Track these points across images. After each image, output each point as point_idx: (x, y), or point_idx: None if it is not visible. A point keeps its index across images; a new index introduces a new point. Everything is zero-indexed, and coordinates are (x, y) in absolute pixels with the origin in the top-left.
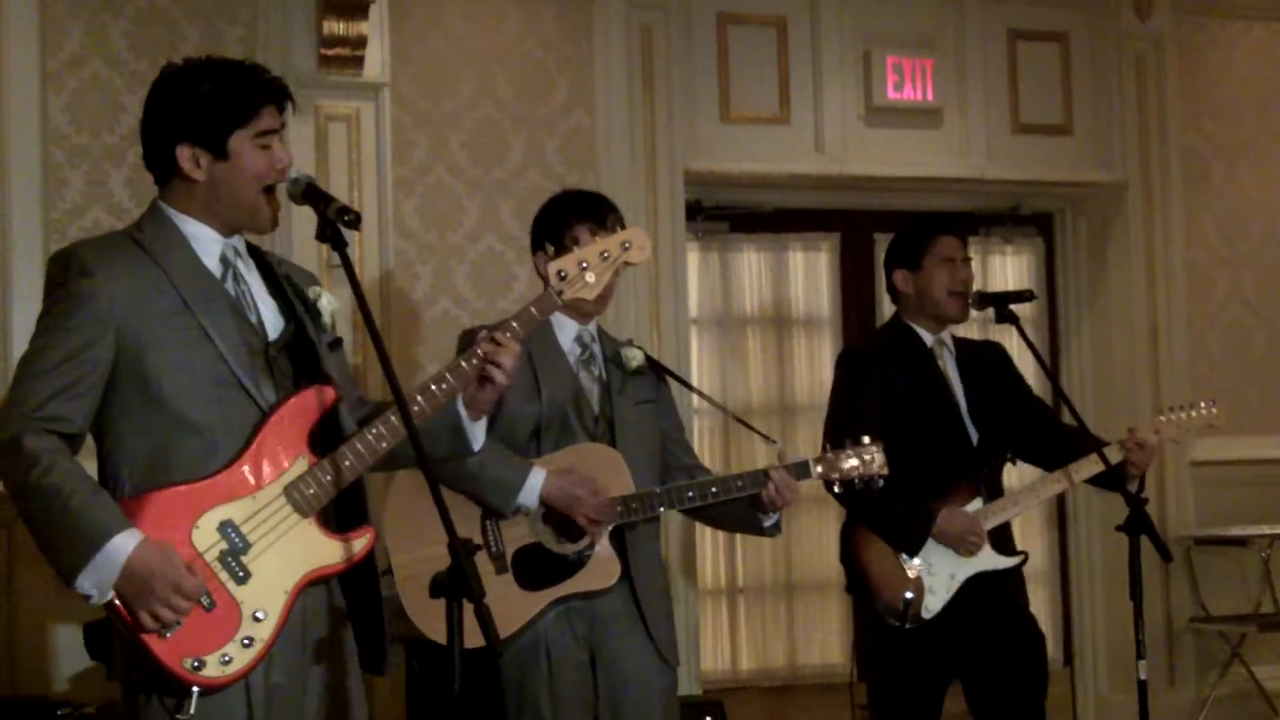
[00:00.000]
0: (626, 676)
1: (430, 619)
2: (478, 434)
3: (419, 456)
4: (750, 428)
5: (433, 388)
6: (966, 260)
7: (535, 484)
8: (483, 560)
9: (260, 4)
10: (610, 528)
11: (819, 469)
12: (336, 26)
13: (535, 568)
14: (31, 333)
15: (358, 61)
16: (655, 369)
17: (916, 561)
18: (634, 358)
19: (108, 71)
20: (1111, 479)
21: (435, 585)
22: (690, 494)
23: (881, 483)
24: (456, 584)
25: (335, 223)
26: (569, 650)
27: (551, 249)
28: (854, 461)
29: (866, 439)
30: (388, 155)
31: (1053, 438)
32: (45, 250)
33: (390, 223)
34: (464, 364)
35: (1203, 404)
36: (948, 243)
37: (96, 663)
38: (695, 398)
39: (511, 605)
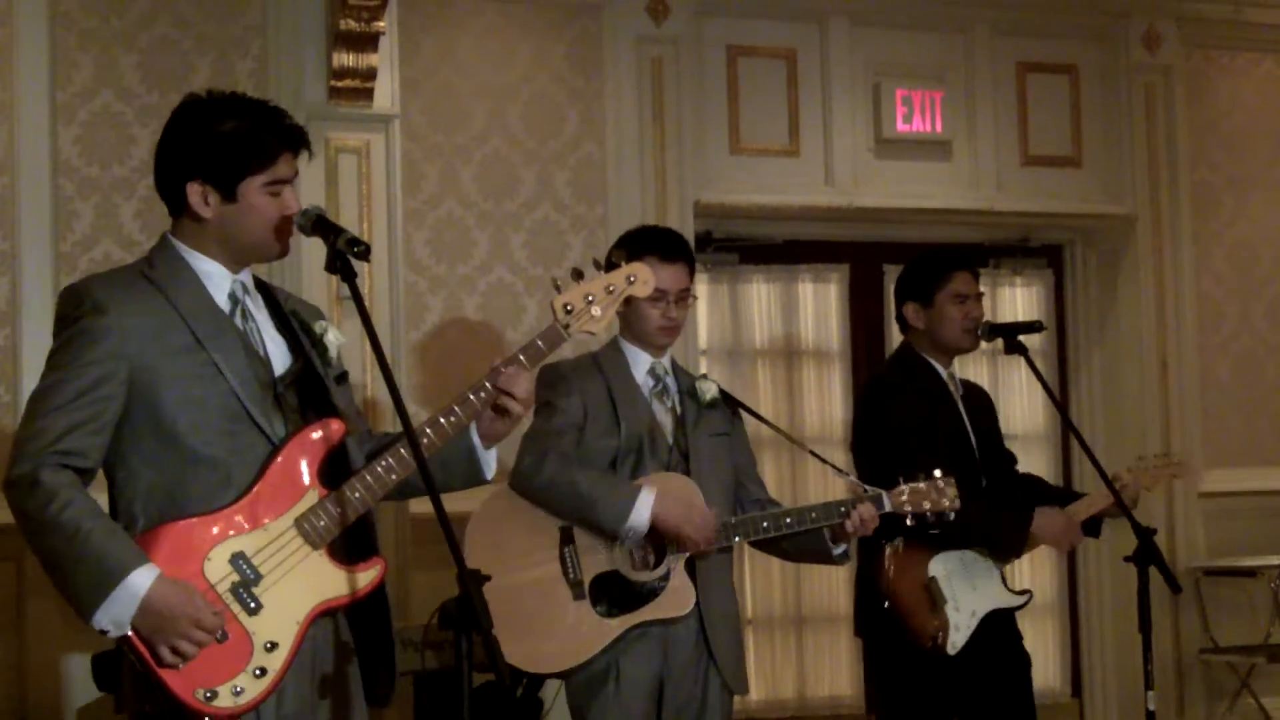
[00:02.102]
0: (690, 705)
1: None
2: (490, 462)
3: (429, 489)
4: (823, 460)
5: (441, 420)
6: (979, 296)
7: (646, 504)
8: (560, 586)
9: (271, 36)
10: (684, 559)
11: (893, 502)
12: (347, 58)
13: (612, 595)
14: (42, 367)
15: (368, 93)
16: (729, 402)
17: (945, 596)
18: (708, 390)
19: (118, 104)
20: (1086, 524)
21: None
22: (765, 524)
23: (953, 516)
24: (465, 615)
25: (345, 254)
26: (638, 678)
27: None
28: (927, 495)
29: (938, 473)
30: (398, 187)
31: (1015, 488)
32: (55, 282)
33: (400, 254)
34: (472, 397)
35: (1174, 456)
36: (961, 279)
37: (105, 694)
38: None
39: (588, 632)
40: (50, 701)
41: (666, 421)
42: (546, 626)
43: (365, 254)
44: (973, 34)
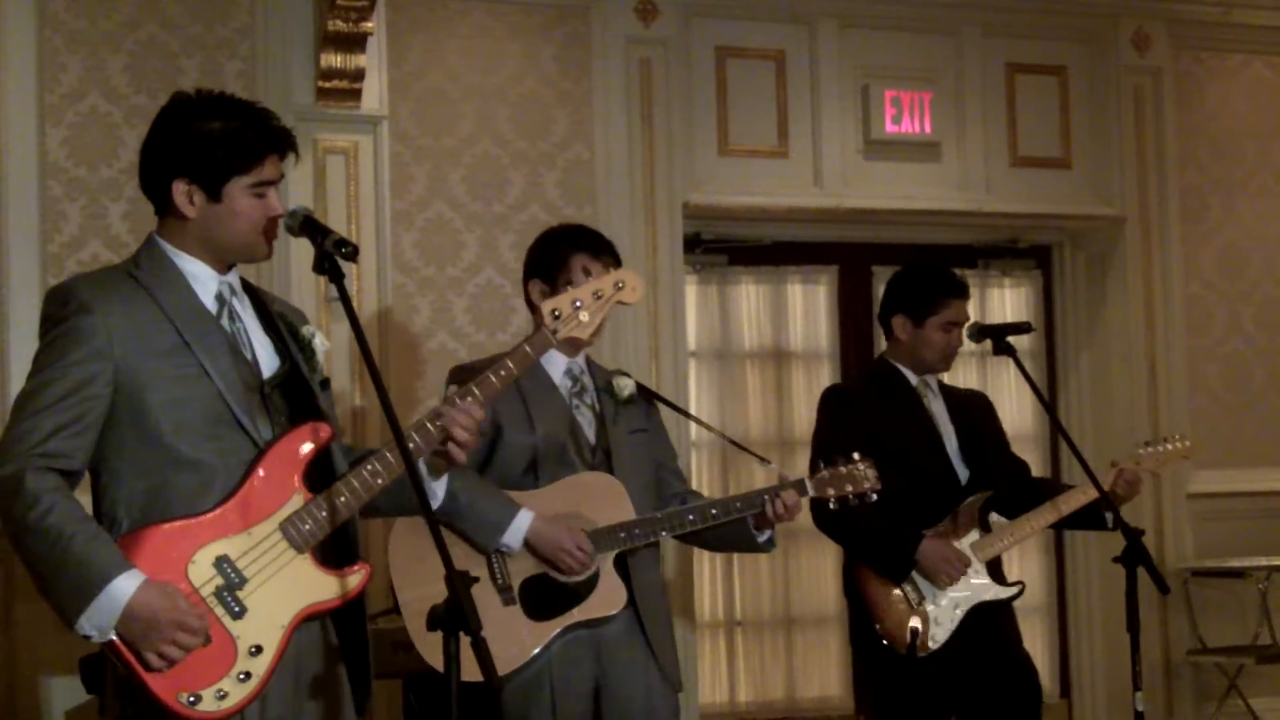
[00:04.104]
0: (632, 704)
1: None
2: (437, 492)
3: (418, 491)
4: (746, 450)
5: (414, 434)
6: (966, 320)
7: (521, 526)
8: (490, 592)
9: (259, 37)
10: (612, 556)
11: (814, 487)
12: (335, 60)
13: (542, 597)
14: (29, 368)
15: (356, 95)
16: (646, 396)
17: (920, 593)
18: (625, 387)
19: (106, 105)
20: (1092, 518)
21: (432, 619)
22: (691, 517)
23: (875, 497)
24: (453, 617)
25: (333, 255)
26: (573, 681)
27: (547, 283)
28: (847, 478)
29: (857, 455)
30: (386, 188)
31: (1026, 491)
32: (43, 283)
33: (388, 256)
34: (429, 425)
35: (1176, 436)
36: (955, 309)
37: (93, 697)
38: (693, 429)
39: (520, 636)
40: (38, 705)
41: (588, 421)
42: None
43: (353, 255)
44: (962, 35)
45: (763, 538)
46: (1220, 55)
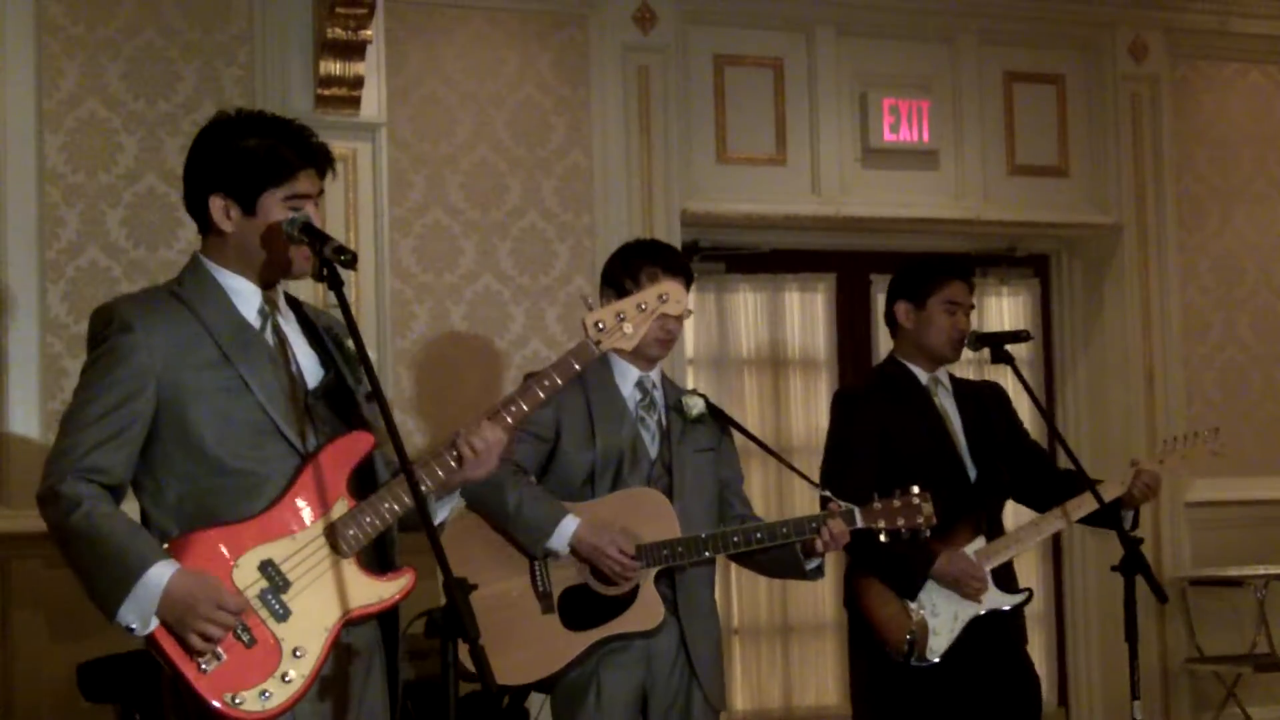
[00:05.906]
0: (674, 718)
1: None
2: (439, 512)
3: (418, 502)
4: (801, 474)
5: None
6: (969, 309)
7: (566, 531)
8: (529, 599)
9: (257, 44)
10: (654, 573)
11: (864, 517)
12: (333, 67)
13: (581, 608)
14: (30, 374)
15: (354, 102)
16: (717, 418)
17: (920, 603)
18: (694, 406)
19: (105, 111)
20: (1108, 517)
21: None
22: (736, 539)
23: (929, 533)
24: (451, 623)
25: (332, 262)
26: (620, 690)
27: (617, 295)
28: (900, 511)
29: (916, 489)
30: (384, 195)
31: (1048, 480)
32: (41, 289)
33: (387, 263)
34: (446, 456)
35: (1204, 432)
36: (957, 288)
37: (91, 704)
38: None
39: (554, 644)
40: (34, 713)
41: (651, 435)
42: (516, 638)
43: (352, 262)
44: (960, 44)
45: (810, 565)
46: (1217, 64)
